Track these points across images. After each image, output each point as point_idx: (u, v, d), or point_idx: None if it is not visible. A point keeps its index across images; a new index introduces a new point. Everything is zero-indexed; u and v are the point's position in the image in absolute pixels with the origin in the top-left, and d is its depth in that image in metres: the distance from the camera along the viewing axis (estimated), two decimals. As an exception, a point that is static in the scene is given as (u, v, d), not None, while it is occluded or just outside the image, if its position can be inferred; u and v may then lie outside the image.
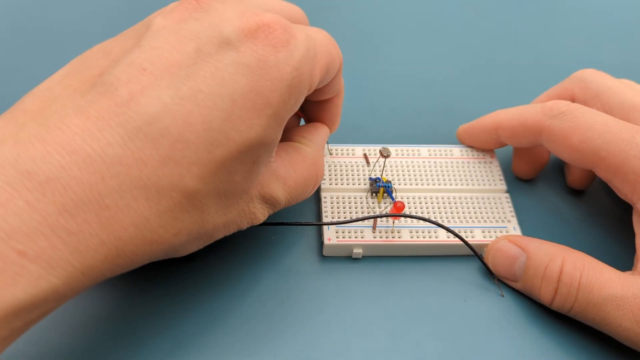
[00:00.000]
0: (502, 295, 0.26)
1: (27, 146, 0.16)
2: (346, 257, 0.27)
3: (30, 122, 0.17)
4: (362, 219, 0.26)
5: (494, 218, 0.28)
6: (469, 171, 0.30)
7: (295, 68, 0.20)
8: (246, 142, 0.19)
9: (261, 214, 0.23)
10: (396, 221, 0.27)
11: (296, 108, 0.22)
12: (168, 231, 0.19)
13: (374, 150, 0.31)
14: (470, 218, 0.28)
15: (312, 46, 0.21)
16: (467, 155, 0.31)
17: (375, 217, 0.26)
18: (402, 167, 0.30)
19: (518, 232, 0.28)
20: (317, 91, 0.26)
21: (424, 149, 0.31)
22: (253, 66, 0.19)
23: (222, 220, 0.21)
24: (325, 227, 0.27)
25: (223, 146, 0.19)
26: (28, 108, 0.18)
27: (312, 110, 0.28)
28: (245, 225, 0.23)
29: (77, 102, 0.18)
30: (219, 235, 0.22)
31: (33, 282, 0.16)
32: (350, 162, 0.30)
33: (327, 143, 0.30)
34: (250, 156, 0.20)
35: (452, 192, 0.29)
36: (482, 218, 0.28)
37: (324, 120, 0.28)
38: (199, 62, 0.19)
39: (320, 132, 0.27)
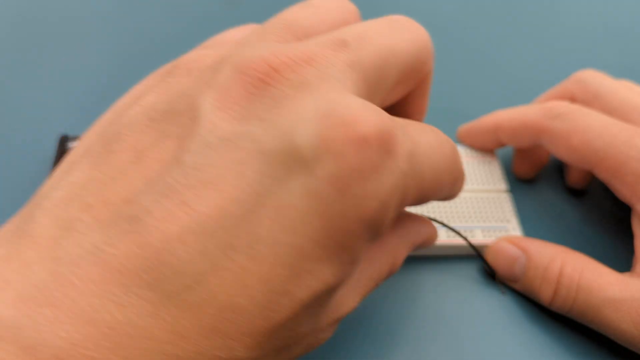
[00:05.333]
0: (504, 293, 0.26)
1: (31, 308, 0.13)
2: (347, 258, 0.27)
3: (37, 263, 0.13)
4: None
5: (494, 218, 0.28)
6: (469, 171, 0.30)
7: (382, 202, 0.14)
8: (313, 295, 0.15)
9: (328, 336, 0.18)
10: (396, 222, 0.27)
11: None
12: None
13: (374, 150, 0.31)
14: (470, 218, 0.28)
15: (415, 162, 0.16)
16: (467, 155, 0.31)
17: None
18: (402, 167, 0.30)
19: (518, 232, 0.28)
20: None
21: (424, 149, 0.31)
22: (330, 200, 0.14)
23: None
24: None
25: (285, 308, 0.14)
26: (36, 232, 0.14)
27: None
28: (304, 353, 0.18)
29: (95, 240, 0.14)
30: None
31: None
32: (350, 162, 0.30)
33: None
34: (318, 305, 0.15)
35: (452, 192, 0.29)
36: (482, 218, 0.28)
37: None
38: (259, 196, 0.14)
39: (417, 225, 0.22)
